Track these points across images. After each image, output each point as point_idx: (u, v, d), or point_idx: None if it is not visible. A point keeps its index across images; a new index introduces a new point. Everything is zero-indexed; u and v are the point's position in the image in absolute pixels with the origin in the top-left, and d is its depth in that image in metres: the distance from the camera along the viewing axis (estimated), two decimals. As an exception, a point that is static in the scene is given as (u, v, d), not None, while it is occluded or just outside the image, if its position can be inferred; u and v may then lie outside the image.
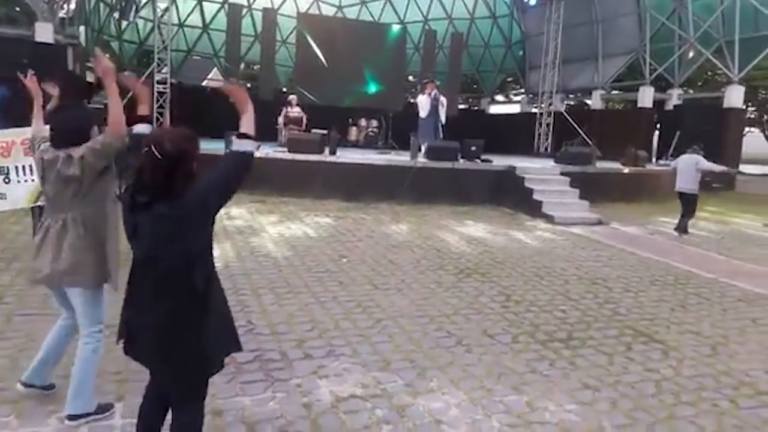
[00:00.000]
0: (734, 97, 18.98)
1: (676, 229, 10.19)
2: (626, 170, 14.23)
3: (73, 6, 18.57)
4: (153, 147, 2.14)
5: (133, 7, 16.05)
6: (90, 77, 21.54)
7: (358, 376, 3.82)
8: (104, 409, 3.14)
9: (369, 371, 3.90)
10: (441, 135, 13.65)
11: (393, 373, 3.89)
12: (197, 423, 2.44)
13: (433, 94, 13.45)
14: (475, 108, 30.26)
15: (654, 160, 18.32)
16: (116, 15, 19.16)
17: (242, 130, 2.36)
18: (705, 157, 10.09)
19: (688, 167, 10.11)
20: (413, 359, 4.14)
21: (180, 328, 2.25)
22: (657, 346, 4.64)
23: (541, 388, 3.77)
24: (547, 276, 6.74)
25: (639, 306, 5.74)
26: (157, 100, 17.18)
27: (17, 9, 22.63)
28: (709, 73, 25.40)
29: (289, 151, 11.99)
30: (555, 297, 5.89)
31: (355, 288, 5.83)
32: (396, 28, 23.27)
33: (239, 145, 2.33)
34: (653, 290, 6.38)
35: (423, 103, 13.54)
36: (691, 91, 23.13)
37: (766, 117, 32.23)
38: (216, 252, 6.66)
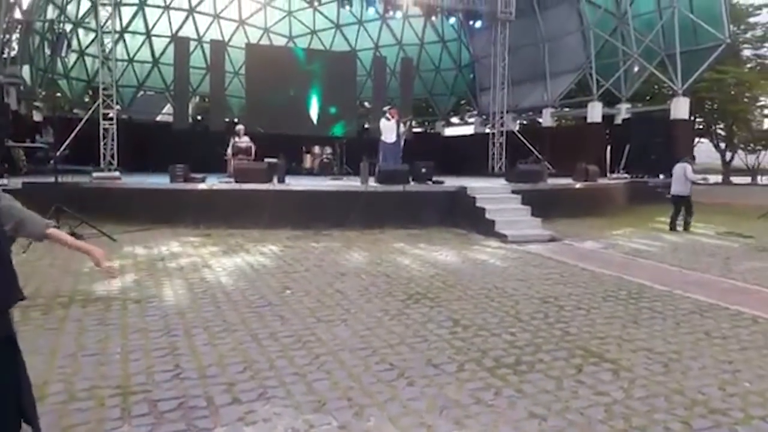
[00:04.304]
0: (680, 108, 19.39)
1: (684, 228, 12.40)
2: (578, 185, 14.27)
3: (15, 47, 18.13)
4: None
5: (65, 43, 15.64)
6: (37, 116, 21.00)
7: (289, 420, 3.51)
8: None
9: (301, 414, 3.59)
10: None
11: (327, 414, 3.59)
12: None
13: (397, 119, 13.78)
14: (431, 131, 30.45)
15: (608, 173, 18.51)
16: (48, 52, 18.78)
17: None
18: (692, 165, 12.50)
19: (679, 174, 12.30)
20: (351, 397, 3.85)
21: None
22: (608, 366, 4.43)
23: (485, 421, 3.52)
24: (497, 297, 6.53)
25: (590, 324, 5.55)
26: (104, 137, 16.74)
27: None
28: (656, 86, 25.99)
29: (236, 181, 11.68)
30: (504, 319, 5.67)
31: (297, 322, 5.52)
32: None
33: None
34: (606, 306, 6.23)
35: (389, 128, 13.68)
36: (639, 105, 23.59)
37: (714, 127, 33.05)
38: (151, 291, 6.41)
